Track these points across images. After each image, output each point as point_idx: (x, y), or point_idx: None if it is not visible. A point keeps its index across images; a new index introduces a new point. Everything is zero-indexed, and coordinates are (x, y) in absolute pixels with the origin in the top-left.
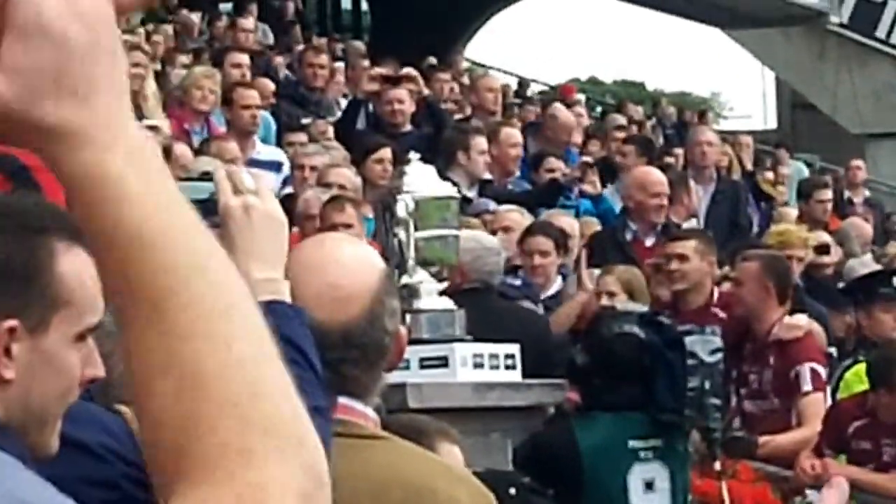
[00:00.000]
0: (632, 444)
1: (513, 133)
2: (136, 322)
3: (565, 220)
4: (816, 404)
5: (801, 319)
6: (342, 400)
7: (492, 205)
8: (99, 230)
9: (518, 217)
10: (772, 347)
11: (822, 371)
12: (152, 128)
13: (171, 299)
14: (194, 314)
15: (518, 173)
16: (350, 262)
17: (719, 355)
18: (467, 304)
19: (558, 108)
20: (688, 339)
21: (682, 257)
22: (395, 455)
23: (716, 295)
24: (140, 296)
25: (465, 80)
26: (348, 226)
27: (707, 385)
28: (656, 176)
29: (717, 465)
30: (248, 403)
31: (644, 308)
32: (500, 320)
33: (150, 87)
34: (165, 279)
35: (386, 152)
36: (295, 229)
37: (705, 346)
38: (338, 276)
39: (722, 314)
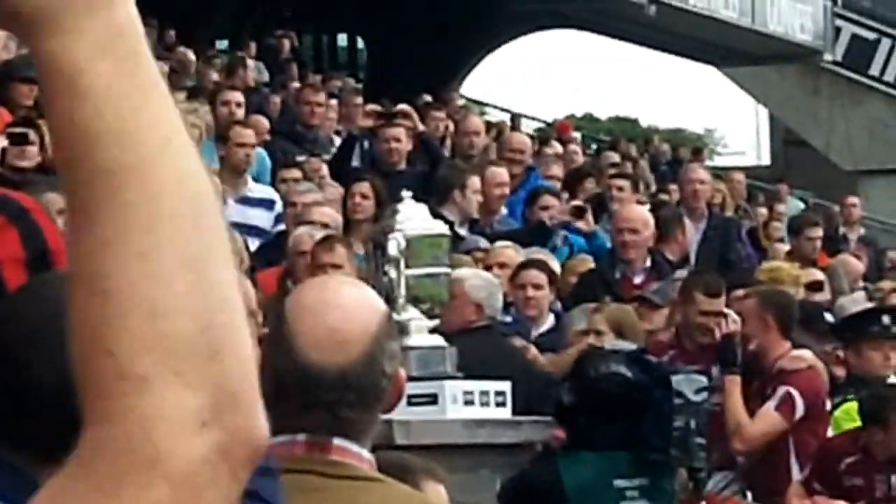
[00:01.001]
0: (618, 483)
1: (499, 173)
2: (72, 224)
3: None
4: (768, 419)
5: (807, 353)
6: (337, 441)
7: (482, 242)
8: (53, 125)
9: (513, 253)
10: (776, 379)
11: (799, 402)
12: None
13: (102, 204)
14: (121, 223)
15: (504, 211)
16: (350, 304)
17: (705, 394)
18: (479, 340)
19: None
20: (674, 379)
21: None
22: (391, 498)
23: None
24: (76, 197)
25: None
26: (338, 266)
27: (693, 424)
28: (634, 213)
29: None
30: (146, 323)
31: (631, 347)
32: (511, 357)
33: None
34: (100, 183)
35: (361, 186)
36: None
37: (691, 385)
38: (337, 318)
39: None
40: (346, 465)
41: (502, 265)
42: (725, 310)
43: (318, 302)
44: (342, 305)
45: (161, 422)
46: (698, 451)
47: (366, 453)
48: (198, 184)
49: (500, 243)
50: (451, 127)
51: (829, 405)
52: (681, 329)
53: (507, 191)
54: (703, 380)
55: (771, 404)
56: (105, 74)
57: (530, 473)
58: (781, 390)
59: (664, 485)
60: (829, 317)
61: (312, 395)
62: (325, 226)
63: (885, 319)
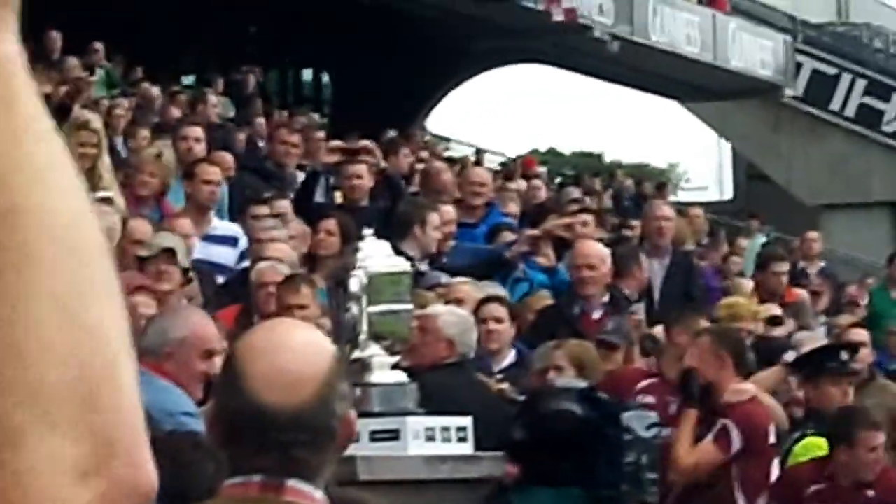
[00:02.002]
0: None
1: (448, 210)
2: None
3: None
4: (701, 450)
5: (748, 386)
6: (291, 483)
7: (444, 277)
8: None
9: (470, 289)
10: (719, 414)
11: (735, 434)
12: (107, 200)
13: None
14: None
15: (451, 244)
16: (300, 346)
17: (655, 430)
18: (450, 377)
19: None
20: (624, 415)
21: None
22: None
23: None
24: None
25: (425, 153)
26: (304, 307)
27: (644, 459)
28: (592, 249)
29: None
30: (17, 372)
31: (582, 384)
32: (482, 394)
33: (105, 162)
34: None
35: (327, 223)
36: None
37: (642, 421)
38: (288, 360)
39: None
40: None
41: (459, 301)
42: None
43: (269, 344)
44: (293, 347)
45: (38, 476)
46: (650, 486)
47: (318, 494)
48: (76, 223)
49: (457, 279)
50: (419, 162)
51: (777, 438)
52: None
53: (454, 228)
54: (654, 416)
55: (709, 437)
56: None
57: None
58: (719, 423)
59: None
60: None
61: (266, 437)
62: (279, 261)
63: (843, 355)
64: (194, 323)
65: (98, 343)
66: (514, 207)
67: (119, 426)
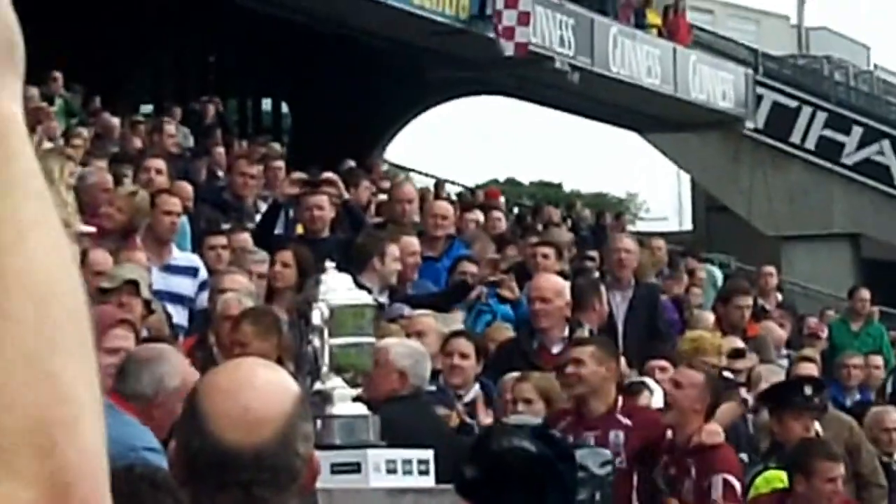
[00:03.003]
0: None
1: (411, 241)
2: None
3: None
4: None
5: (718, 427)
6: None
7: (406, 309)
8: None
9: (431, 322)
10: (693, 455)
11: (737, 484)
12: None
13: None
14: None
15: (416, 278)
16: (263, 385)
17: (609, 468)
18: (403, 409)
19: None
20: (578, 453)
21: (579, 362)
22: None
23: (619, 402)
24: None
25: (385, 183)
26: (243, 344)
27: (597, 497)
28: (547, 282)
29: None
30: None
31: (535, 421)
32: (436, 426)
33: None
34: None
35: (283, 255)
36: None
37: (595, 458)
38: (250, 399)
39: (626, 421)
40: None
41: (420, 333)
42: (706, 426)
43: (231, 382)
44: (256, 386)
45: None
46: None
47: None
48: (53, 281)
49: (418, 312)
50: (378, 193)
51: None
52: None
53: (419, 259)
54: (608, 453)
55: (716, 496)
56: None
57: None
58: (718, 481)
59: None
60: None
61: (227, 475)
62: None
63: (807, 390)
64: (185, 371)
65: (61, 395)
66: (478, 245)
67: (77, 475)
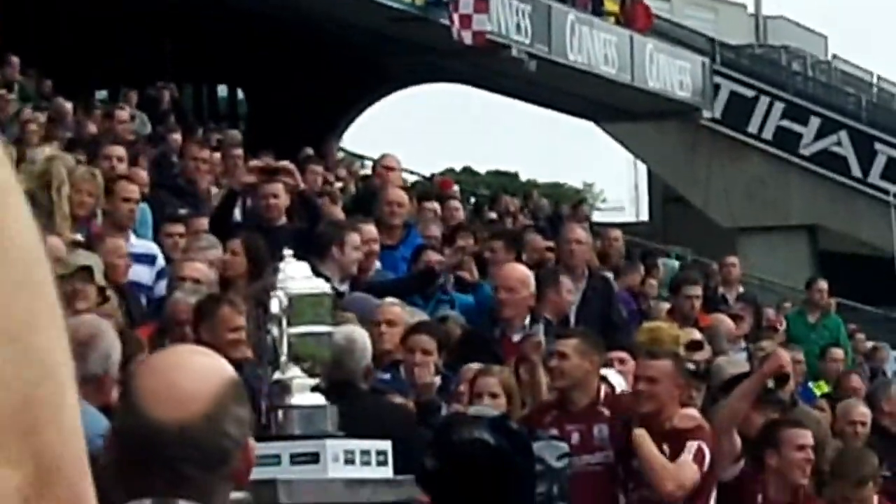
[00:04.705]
0: None
1: (370, 230)
2: None
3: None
4: (687, 468)
5: (695, 412)
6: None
7: (371, 298)
8: None
9: (399, 311)
10: (667, 437)
11: (708, 454)
12: None
13: None
14: None
15: (378, 266)
16: (193, 365)
17: (566, 460)
18: (332, 400)
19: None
20: (535, 445)
21: (563, 355)
22: None
23: (602, 393)
24: None
25: (342, 171)
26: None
27: (555, 490)
28: (515, 272)
29: None
30: None
31: (494, 412)
32: (369, 416)
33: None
34: None
35: (233, 243)
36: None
37: (553, 451)
38: (178, 376)
39: (608, 413)
40: None
41: (390, 322)
42: (682, 411)
43: (162, 363)
44: (185, 366)
45: None
46: None
47: None
48: (28, 252)
49: (388, 300)
50: (332, 179)
51: None
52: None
53: (377, 247)
54: (564, 446)
55: (686, 456)
56: None
57: None
58: (693, 444)
59: None
60: None
61: (152, 452)
62: (196, 281)
63: (770, 383)
64: (117, 338)
65: (46, 373)
66: (435, 230)
67: (64, 454)
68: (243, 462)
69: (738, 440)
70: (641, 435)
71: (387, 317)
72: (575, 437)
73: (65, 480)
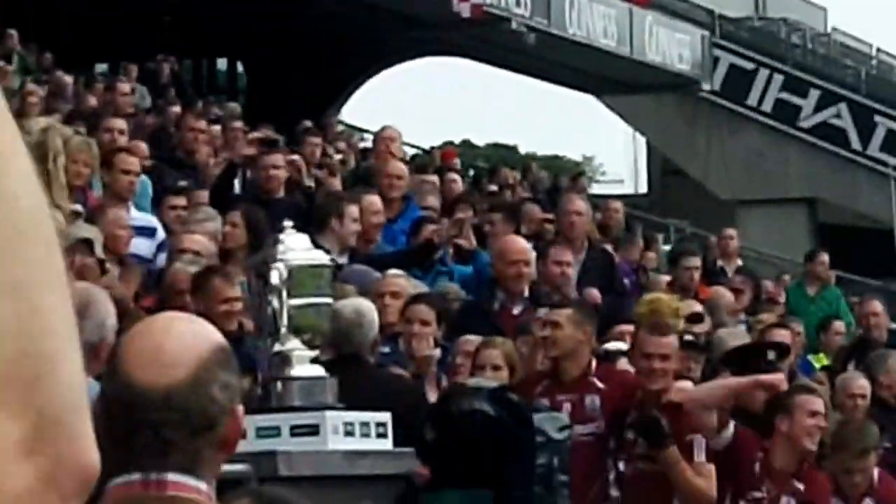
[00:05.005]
0: None
1: (374, 201)
2: None
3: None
4: (709, 471)
5: (687, 383)
6: (172, 476)
7: (372, 270)
8: None
9: (404, 283)
10: (665, 410)
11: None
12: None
13: None
14: None
15: (380, 239)
16: (180, 330)
17: (567, 432)
18: (336, 372)
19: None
20: (536, 417)
21: (556, 325)
22: None
23: (593, 365)
24: None
25: (341, 143)
26: (238, 299)
27: (555, 462)
28: (515, 245)
29: None
30: None
31: (494, 384)
32: (378, 389)
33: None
34: None
35: (233, 215)
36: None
37: (553, 423)
38: (164, 340)
39: (600, 384)
40: (185, 500)
41: (394, 294)
42: (676, 383)
43: (148, 328)
44: (171, 331)
45: None
46: (561, 489)
47: (203, 486)
48: (35, 212)
49: (391, 272)
50: (331, 152)
51: None
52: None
53: (383, 218)
54: (565, 418)
55: (702, 457)
56: None
57: None
58: (700, 440)
59: None
60: None
61: (137, 416)
62: (196, 253)
63: (771, 355)
64: (111, 304)
65: (48, 328)
66: (433, 201)
67: (64, 408)
68: (231, 429)
69: (713, 412)
70: (671, 454)
71: (391, 288)
72: (566, 408)
73: (65, 434)
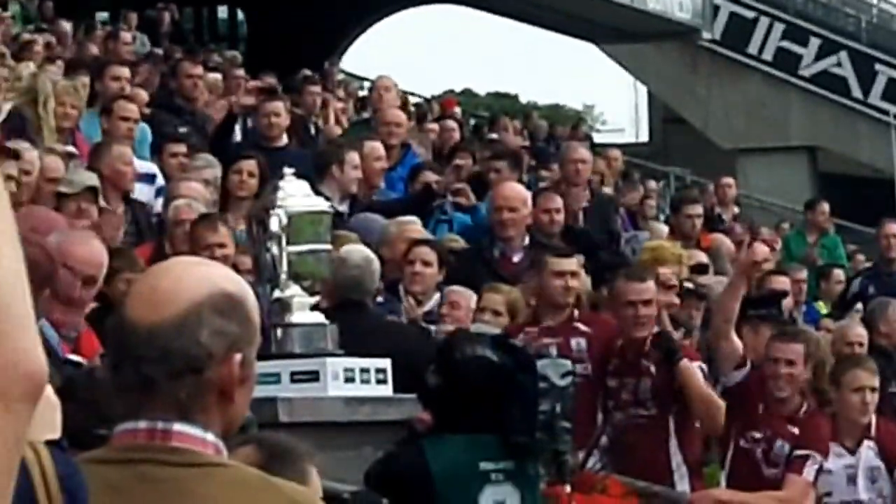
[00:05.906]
0: (483, 465)
1: (376, 147)
2: None
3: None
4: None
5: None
6: (178, 427)
7: (376, 217)
8: None
9: (420, 230)
10: (650, 356)
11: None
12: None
13: None
14: None
15: (383, 186)
16: (180, 271)
17: (570, 378)
18: (340, 319)
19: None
20: (539, 363)
21: (575, 274)
22: (229, 483)
23: (576, 312)
24: None
25: (340, 92)
26: (223, 245)
27: (558, 408)
28: (513, 191)
29: (567, 489)
30: None
31: (497, 330)
32: (382, 335)
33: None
34: None
35: (248, 164)
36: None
37: (556, 369)
38: (160, 281)
39: (585, 328)
40: (187, 451)
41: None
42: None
43: (155, 269)
44: (172, 271)
45: None
46: (564, 435)
47: (210, 437)
48: None
49: (406, 218)
50: (332, 101)
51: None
52: (540, 303)
53: (385, 165)
54: (568, 364)
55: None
56: None
57: (396, 456)
58: (696, 364)
59: (529, 468)
60: None
61: (122, 351)
62: (196, 201)
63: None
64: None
65: None
66: (423, 152)
67: (24, 356)
68: (227, 374)
69: (738, 344)
70: (687, 367)
71: (410, 235)
72: (552, 352)
73: (6, 339)
